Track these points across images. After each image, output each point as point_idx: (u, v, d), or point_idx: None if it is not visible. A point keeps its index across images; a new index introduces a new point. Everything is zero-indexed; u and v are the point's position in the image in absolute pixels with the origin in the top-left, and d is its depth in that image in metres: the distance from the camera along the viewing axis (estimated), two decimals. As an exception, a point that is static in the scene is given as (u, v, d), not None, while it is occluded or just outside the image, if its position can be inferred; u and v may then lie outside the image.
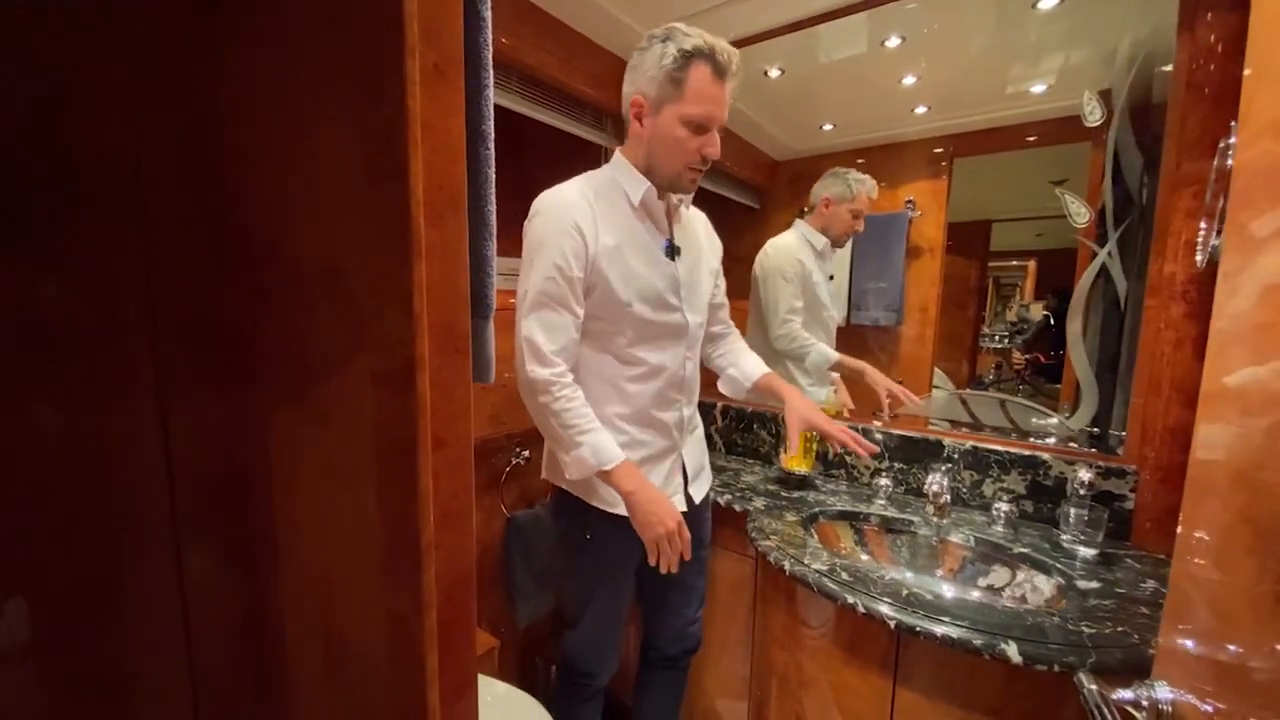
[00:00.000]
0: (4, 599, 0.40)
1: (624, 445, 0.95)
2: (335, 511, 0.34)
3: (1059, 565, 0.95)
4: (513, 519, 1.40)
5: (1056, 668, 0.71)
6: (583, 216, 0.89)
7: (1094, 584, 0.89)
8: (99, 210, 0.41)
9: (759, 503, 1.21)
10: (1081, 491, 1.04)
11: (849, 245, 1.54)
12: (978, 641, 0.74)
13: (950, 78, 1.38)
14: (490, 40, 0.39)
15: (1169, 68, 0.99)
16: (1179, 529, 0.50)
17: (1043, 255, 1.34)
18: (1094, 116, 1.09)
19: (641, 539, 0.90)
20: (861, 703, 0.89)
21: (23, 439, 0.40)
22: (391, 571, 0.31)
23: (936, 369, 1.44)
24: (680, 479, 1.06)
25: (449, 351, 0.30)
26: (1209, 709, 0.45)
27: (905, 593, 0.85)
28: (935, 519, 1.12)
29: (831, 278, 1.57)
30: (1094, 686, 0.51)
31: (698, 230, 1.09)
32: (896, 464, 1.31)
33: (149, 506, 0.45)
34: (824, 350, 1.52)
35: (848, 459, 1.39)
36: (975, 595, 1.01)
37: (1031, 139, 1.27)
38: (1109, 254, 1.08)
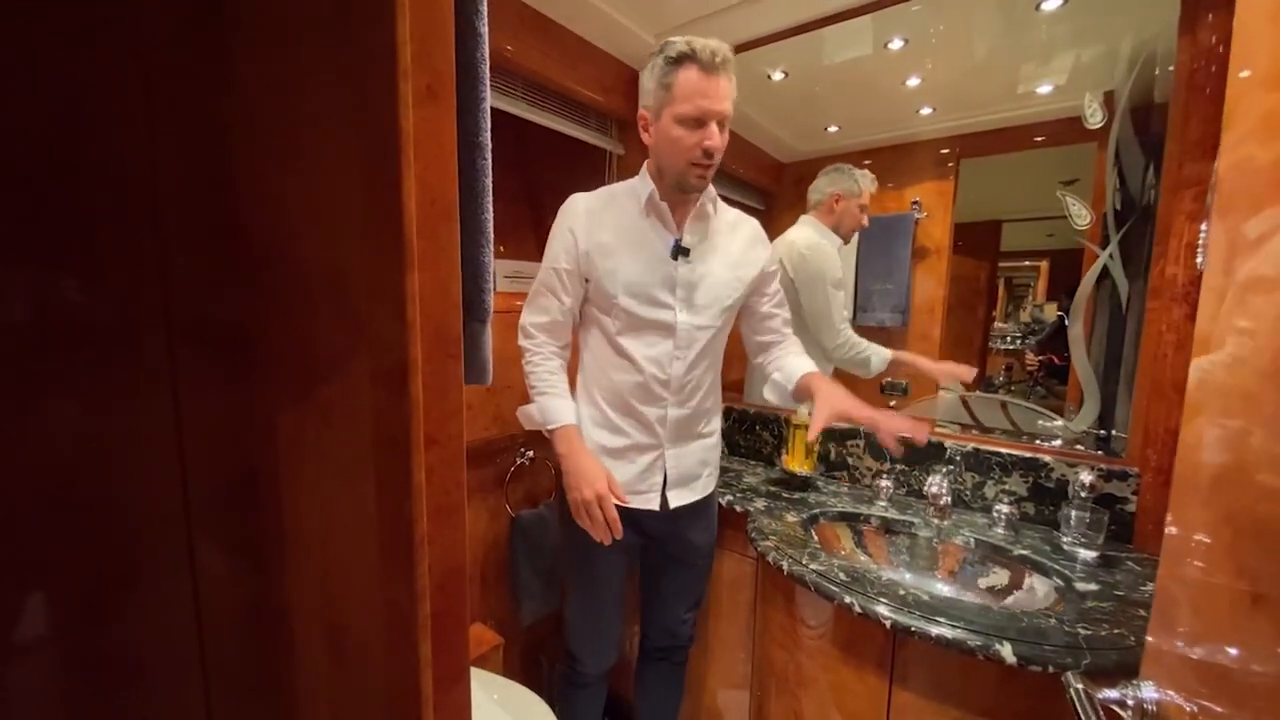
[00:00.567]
0: (26, 591, 0.43)
1: (600, 425, 1.05)
2: (336, 505, 0.36)
3: (1058, 567, 0.95)
4: (517, 518, 1.42)
5: (1051, 669, 0.71)
6: (576, 220, 1.01)
7: (1093, 586, 0.89)
8: (118, 216, 0.43)
9: (760, 503, 1.22)
10: (1083, 494, 1.04)
11: (854, 246, 1.55)
12: (973, 642, 0.75)
13: (955, 79, 1.38)
14: (486, 55, 0.41)
15: (1171, 68, 0.99)
16: (1166, 530, 0.51)
17: (1056, 255, 1.33)
18: (1095, 119, 1.09)
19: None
20: (859, 702, 0.90)
21: (45, 436, 0.43)
22: (388, 563, 0.32)
23: (944, 370, 1.44)
24: (659, 479, 1.06)
25: (441, 356, 0.31)
26: (1193, 709, 0.46)
27: (903, 593, 0.85)
28: (936, 520, 1.12)
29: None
30: (1080, 686, 0.52)
31: (732, 237, 1.08)
32: (898, 465, 1.31)
33: (163, 501, 0.47)
34: (882, 351, 1.47)
35: (849, 460, 1.40)
36: (973, 596, 1.01)
37: (1039, 139, 1.26)
38: (1110, 256, 1.08)
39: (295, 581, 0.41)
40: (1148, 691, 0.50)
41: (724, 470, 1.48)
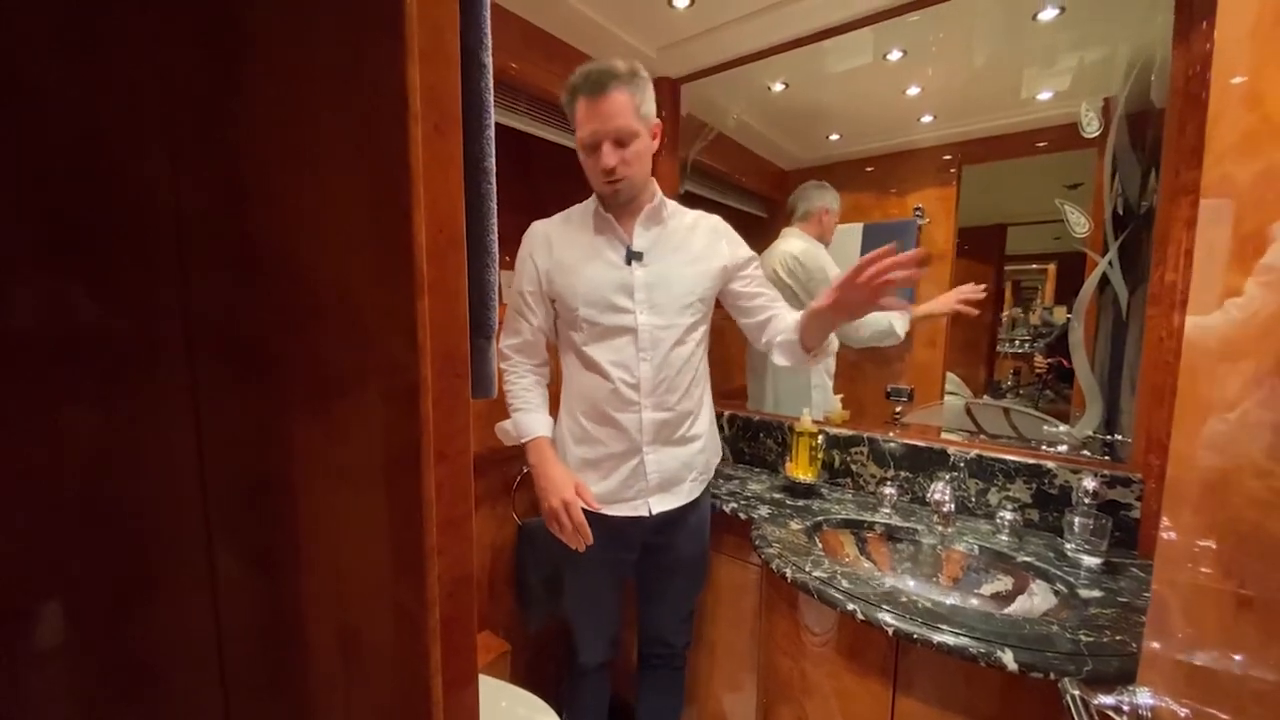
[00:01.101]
0: (50, 598, 0.45)
1: (580, 440, 1.09)
2: (349, 516, 0.38)
3: (1062, 574, 0.95)
4: (523, 526, 1.44)
5: (1053, 675, 0.71)
6: (536, 245, 1.10)
7: (1096, 593, 0.89)
8: (141, 237, 0.45)
9: (764, 511, 1.23)
10: (1086, 500, 1.04)
11: (857, 252, 1.56)
12: (975, 649, 0.75)
13: (954, 87, 1.40)
14: (490, 83, 0.43)
15: (1166, 76, 1.00)
16: (1160, 535, 0.52)
17: (1063, 258, 1.32)
18: (1092, 127, 1.10)
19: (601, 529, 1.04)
20: (863, 709, 0.90)
21: (72, 447, 0.45)
22: (399, 571, 0.34)
23: (952, 375, 1.44)
24: (643, 485, 1.07)
25: (449, 376, 0.33)
26: (1185, 713, 0.47)
27: (906, 600, 0.86)
28: (939, 527, 1.13)
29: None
30: (1076, 692, 0.53)
31: (691, 235, 1.11)
32: (902, 473, 1.32)
33: (184, 510, 0.50)
34: (896, 317, 1.48)
35: (853, 467, 1.40)
36: (976, 603, 1.02)
37: (1041, 145, 1.27)
38: (1110, 263, 1.09)
39: (310, 589, 0.43)
40: (1143, 697, 0.50)
41: (728, 478, 1.49)
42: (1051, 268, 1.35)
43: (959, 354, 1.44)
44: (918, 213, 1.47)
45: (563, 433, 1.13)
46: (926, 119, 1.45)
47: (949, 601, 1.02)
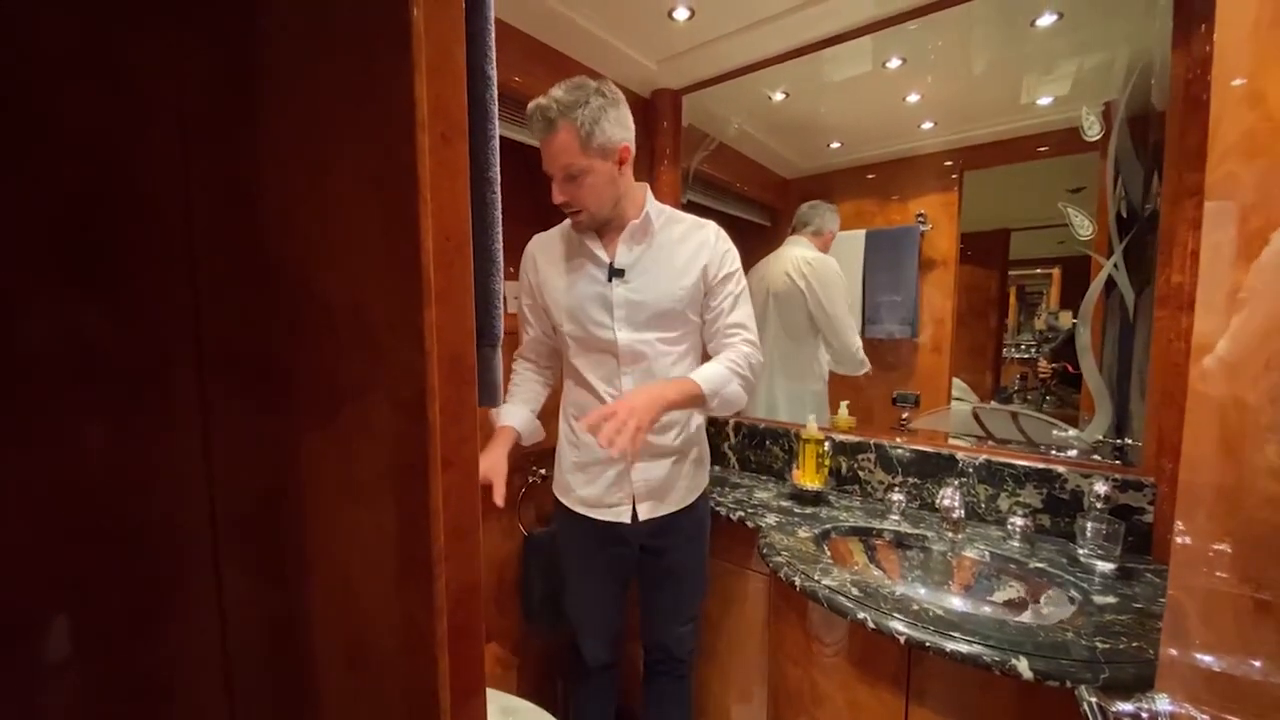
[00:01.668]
0: (59, 614, 0.45)
1: (572, 444, 1.14)
2: (357, 526, 0.38)
3: (1075, 580, 0.94)
4: (529, 537, 1.43)
5: (1069, 684, 0.70)
6: (529, 262, 1.15)
7: (1110, 599, 0.88)
8: (156, 253, 0.46)
9: (771, 519, 1.22)
10: (1098, 505, 1.03)
11: (860, 259, 1.57)
12: (989, 658, 0.74)
13: (954, 94, 1.40)
14: (495, 95, 0.43)
15: (1166, 79, 1.00)
16: (1174, 540, 0.51)
17: (1068, 262, 1.32)
18: (1093, 131, 1.10)
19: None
20: (875, 720, 0.89)
21: (83, 463, 0.45)
22: (406, 580, 0.34)
23: (958, 380, 1.44)
24: (627, 492, 1.09)
25: (457, 383, 0.33)
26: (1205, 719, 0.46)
27: (917, 608, 0.85)
28: (949, 534, 1.11)
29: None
30: (1093, 699, 0.52)
31: (679, 248, 1.09)
32: (910, 479, 1.31)
33: (192, 524, 0.50)
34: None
35: (861, 474, 1.39)
36: (988, 611, 1.00)
37: (1042, 149, 1.27)
38: (1115, 265, 1.08)
39: (317, 599, 0.43)
40: (1162, 704, 0.49)
41: (734, 486, 1.48)
42: (1056, 272, 1.35)
43: (965, 359, 1.43)
44: (920, 219, 1.47)
45: (561, 435, 1.18)
46: (927, 125, 1.46)
47: (961, 609, 1.01)
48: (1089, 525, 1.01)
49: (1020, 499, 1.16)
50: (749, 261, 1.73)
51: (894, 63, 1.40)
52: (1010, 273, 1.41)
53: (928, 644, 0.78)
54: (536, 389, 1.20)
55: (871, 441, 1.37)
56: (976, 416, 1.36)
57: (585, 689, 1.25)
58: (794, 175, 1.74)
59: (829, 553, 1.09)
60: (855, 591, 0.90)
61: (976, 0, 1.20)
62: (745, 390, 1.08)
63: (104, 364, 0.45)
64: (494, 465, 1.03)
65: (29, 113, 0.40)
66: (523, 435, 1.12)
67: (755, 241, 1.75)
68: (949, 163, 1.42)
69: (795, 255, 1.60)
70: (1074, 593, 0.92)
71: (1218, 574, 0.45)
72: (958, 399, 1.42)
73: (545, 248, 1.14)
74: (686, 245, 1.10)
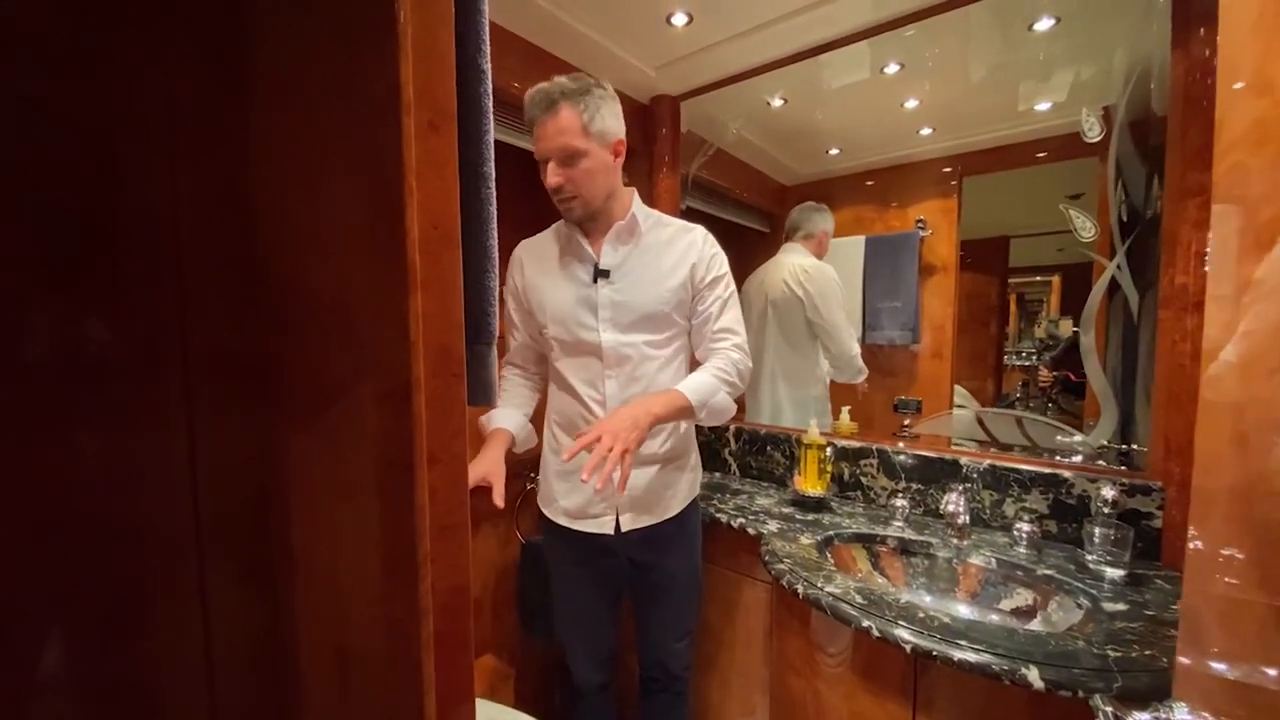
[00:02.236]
0: (35, 617, 0.43)
1: (555, 451, 1.10)
2: (341, 526, 0.37)
3: (1084, 587, 0.92)
4: (527, 545, 1.41)
5: (1080, 693, 0.68)
6: (516, 266, 1.14)
7: (1121, 606, 0.86)
8: (140, 252, 0.45)
9: (773, 526, 1.20)
10: (1106, 510, 1.01)
11: (860, 265, 1.56)
12: (999, 667, 0.72)
13: (952, 100, 1.41)
14: (490, 89, 0.43)
15: (1166, 82, 1.00)
16: (1188, 546, 0.49)
17: (1067, 269, 1.33)
18: (1093, 133, 1.10)
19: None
20: (881, 732, 0.86)
21: (61, 463, 0.44)
22: (391, 581, 0.33)
23: (959, 388, 1.42)
24: (611, 503, 1.06)
25: (444, 375, 0.32)
26: (1227, 730, 0.44)
27: (923, 616, 0.83)
28: (954, 540, 1.09)
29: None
30: (1109, 709, 0.50)
31: (665, 251, 1.07)
32: (914, 485, 1.29)
33: (175, 528, 0.48)
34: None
35: (863, 480, 1.38)
36: (996, 619, 0.98)
37: (1041, 155, 1.27)
38: (1118, 267, 1.07)
39: (301, 603, 0.41)
40: (1180, 714, 0.48)
41: (735, 492, 1.46)
42: (1056, 279, 1.35)
43: (966, 366, 1.42)
44: (920, 225, 1.46)
45: (546, 444, 1.16)
46: (926, 131, 1.46)
47: (968, 616, 0.99)
48: (1097, 531, 0.99)
49: (1026, 504, 1.14)
50: (749, 269, 1.74)
51: (892, 68, 1.40)
52: (1010, 280, 1.40)
53: (935, 653, 0.76)
54: (526, 394, 1.18)
55: (874, 447, 1.35)
56: (981, 421, 1.34)
57: (581, 713, 1.20)
58: (793, 182, 1.74)
59: (832, 560, 1.07)
60: (859, 599, 0.88)
61: (974, 5, 1.20)
62: (733, 398, 1.07)
63: (87, 362, 0.44)
64: (492, 466, 1.00)
65: (16, 104, 0.40)
66: (516, 440, 1.10)
67: (755, 248, 1.75)
68: (948, 169, 1.41)
69: (793, 263, 1.60)
70: (1083, 600, 0.90)
71: (1234, 580, 0.43)
72: (959, 406, 1.40)
73: (532, 250, 1.13)
74: (674, 248, 1.08)
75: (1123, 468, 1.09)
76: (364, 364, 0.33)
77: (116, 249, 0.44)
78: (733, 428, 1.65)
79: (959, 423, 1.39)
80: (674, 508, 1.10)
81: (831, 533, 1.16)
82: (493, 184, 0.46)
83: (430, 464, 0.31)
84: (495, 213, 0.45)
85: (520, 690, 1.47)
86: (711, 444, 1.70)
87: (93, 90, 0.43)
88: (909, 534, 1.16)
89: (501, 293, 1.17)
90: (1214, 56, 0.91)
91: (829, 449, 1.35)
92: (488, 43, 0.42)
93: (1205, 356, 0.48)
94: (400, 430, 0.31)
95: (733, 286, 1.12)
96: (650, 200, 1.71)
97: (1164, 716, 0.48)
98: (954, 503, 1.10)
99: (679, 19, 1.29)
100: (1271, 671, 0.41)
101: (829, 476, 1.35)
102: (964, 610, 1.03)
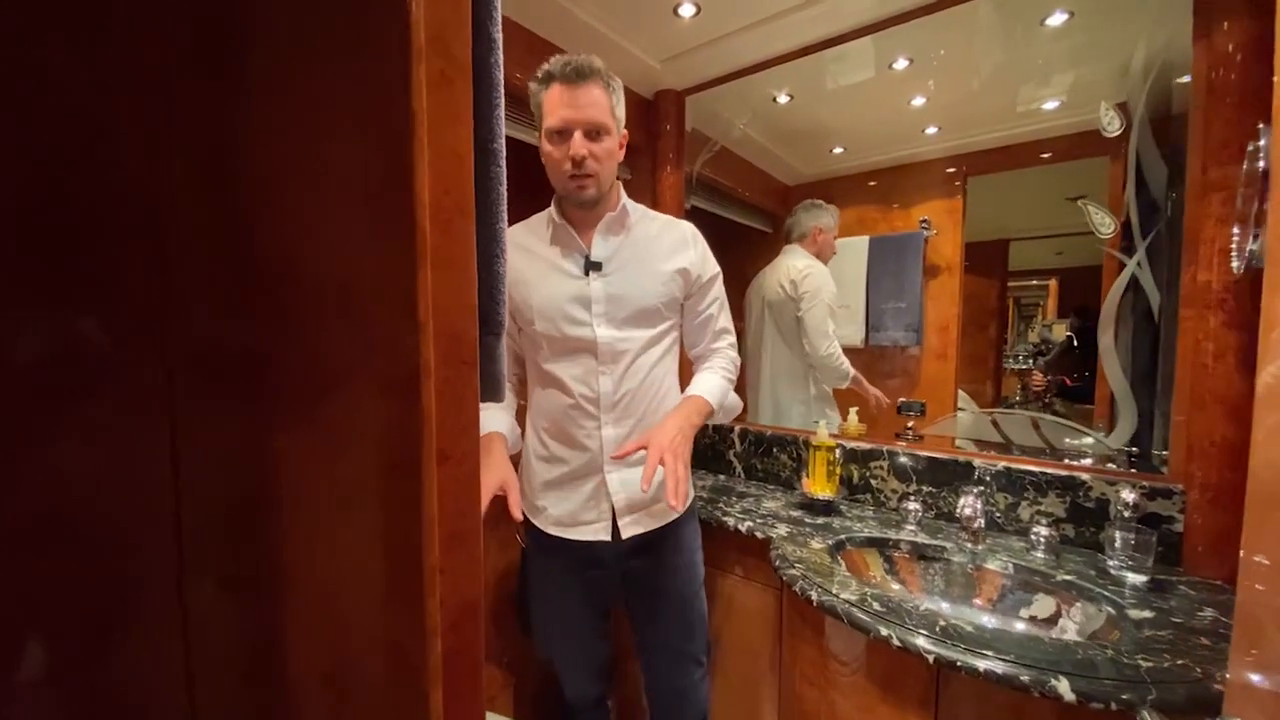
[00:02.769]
0: (22, 636, 0.39)
1: (542, 459, 1.04)
2: (340, 532, 0.33)
3: (1107, 593, 0.89)
4: (528, 548, 1.37)
5: (1114, 706, 0.65)
6: None
7: (1147, 613, 0.83)
8: (110, 221, 0.41)
9: (782, 529, 1.17)
10: (1126, 514, 0.98)
11: (864, 266, 1.54)
12: (1025, 678, 0.69)
13: (960, 98, 1.38)
14: (501, 61, 0.39)
15: (1186, 79, 0.97)
16: (1242, 551, 0.46)
17: (1064, 273, 1.32)
18: (1113, 127, 1.08)
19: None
20: (900, 746, 0.83)
21: (44, 472, 0.40)
22: (394, 597, 0.29)
23: (959, 391, 1.40)
24: (606, 507, 1.00)
25: (455, 362, 0.28)
26: (1297, 753, 0.41)
27: (943, 624, 0.80)
28: (969, 545, 1.06)
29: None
30: (1160, 726, 0.47)
31: (656, 243, 1.04)
32: (925, 487, 1.26)
33: (154, 534, 0.44)
34: (850, 368, 1.56)
35: (873, 482, 1.35)
36: (1019, 627, 0.95)
37: (1046, 155, 1.25)
38: (1139, 264, 1.05)
39: (294, 618, 0.37)
40: (1240, 733, 0.44)
41: (741, 495, 1.43)
42: (1053, 283, 1.34)
43: (966, 370, 1.40)
44: (924, 225, 1.44)
45: (529, 452, 1.08)
46: (931, 130, 1.43)
47: (991, 625, 0.96)
48: (1118, 535, 0.96)
49: (1042, 508, 1.11)
50: (751, 269, 1.71)
51: (900, 64, 1.38)
52: (1009, 284, 1.39)
53: (959, 663, 0.73)
54: (508, 394, 1.13)
55: (884, 448, 1.32)
56: (996, 424, 1.32)
57: None
58: (796, 182, 1.72)
59: (844, 565, 1.04)
60: (876, 606, 0.84)
61: (984, -1, 1.18)
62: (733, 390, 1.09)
63: (59, 360, 0.40)
64: (506, 473, 0.95)
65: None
66: (508, 443, 1.04)
67: (757, 249, 1.73)
68: (952, 169, 1.39)
69: (789, 265, 1.60)
70: (1107, 607, 0.87)
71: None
72: (960, 409, 1.38)
73: (517, 239, 1.05)
74: (663, 241, 1.05)
75: (1132, 470, 1.06)
76: (365, 350, 0.29)
77: (82, 216, 0.40)
78: (737, 429, 1.61)
79: (963, 424, 1.37)
80: (671, 514, 1.05)
81: (843, 537, 1.13)
82: (503, 162, 0.42)
83: (440, 462, 0.27)
84: (505, 194, 0.42)
85: (519, 699, 1.43)
86: (716, 446, 1.67)
87: (79, 51, 0.39)
88: (922, 538, 1.13)
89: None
90: (1238, 51, 0.89)
91: (838, 450, 1.32)
92: (499, 9, 0.38)
93: (1262, 351, 0.45)
94: (407, 424, 0.27)
95: (721, 281, 1.12)
96: (654, 197, 1.68)
97: (1222, 735, 0.45)
98: (970, 506, 1.07)
99: (686, 9, 1.26)
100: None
101: (838, 479, 1.32)
102: (985, 618, 0.99)
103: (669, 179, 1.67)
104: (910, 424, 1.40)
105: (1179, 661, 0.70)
